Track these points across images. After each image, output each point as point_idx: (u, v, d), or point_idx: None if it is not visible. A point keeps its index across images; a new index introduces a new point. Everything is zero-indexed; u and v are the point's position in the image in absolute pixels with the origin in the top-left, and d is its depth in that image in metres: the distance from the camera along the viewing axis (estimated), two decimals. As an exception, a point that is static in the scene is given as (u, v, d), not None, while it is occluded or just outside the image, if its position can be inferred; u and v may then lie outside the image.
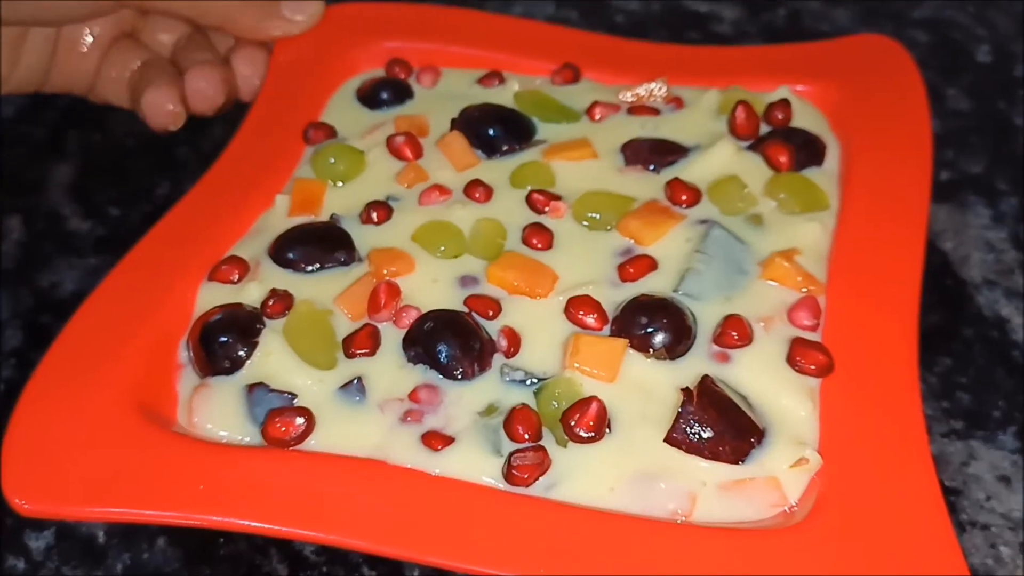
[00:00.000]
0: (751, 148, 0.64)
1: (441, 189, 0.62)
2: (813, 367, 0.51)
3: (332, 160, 0.65)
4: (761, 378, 0.51)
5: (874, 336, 0.53)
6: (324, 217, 0.62)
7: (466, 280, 0.57)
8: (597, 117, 0.67)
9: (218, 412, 0.52)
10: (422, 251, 0.59)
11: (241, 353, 0.54)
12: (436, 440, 0.50)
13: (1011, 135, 0.76)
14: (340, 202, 0.63)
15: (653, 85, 0.69)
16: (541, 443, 0.49)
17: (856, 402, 0.50)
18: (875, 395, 0.50)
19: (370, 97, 0.71)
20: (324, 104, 0.71)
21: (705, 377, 0.51)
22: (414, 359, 0.53)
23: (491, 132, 0.66)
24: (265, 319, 0.55)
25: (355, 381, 0.52)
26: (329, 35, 0.73)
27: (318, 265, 0.58)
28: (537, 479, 0.48)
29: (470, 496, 0.47)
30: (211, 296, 0.57)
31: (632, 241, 0.59)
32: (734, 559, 0.44)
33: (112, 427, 0.50)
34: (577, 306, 0.55)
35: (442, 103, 0.70)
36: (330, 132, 0.67)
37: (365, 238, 0.60)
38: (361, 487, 0.47)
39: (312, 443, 0.51)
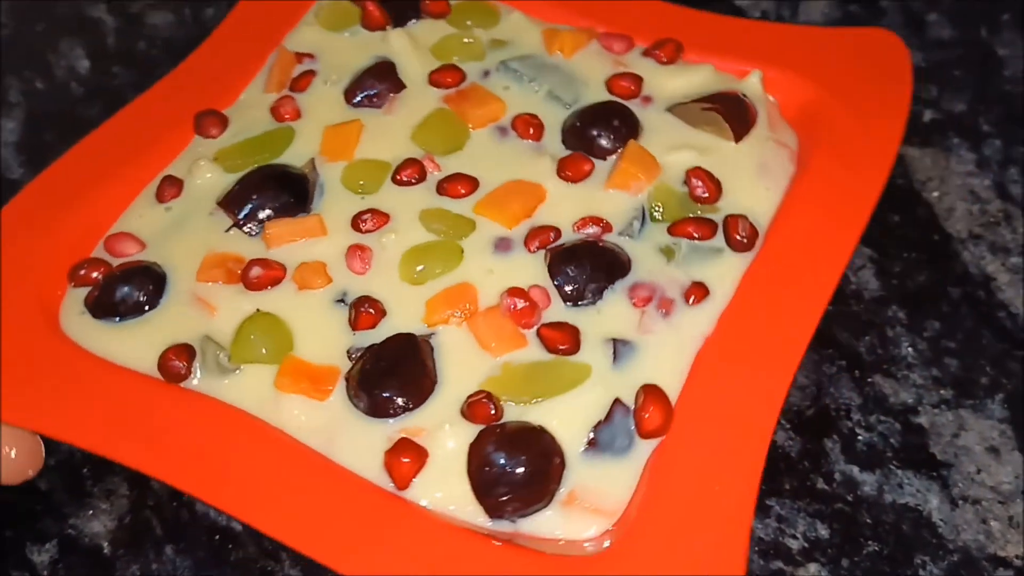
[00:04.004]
0: (398, 26, 0.68)
1: (359, 249, 0.56)
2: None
3: (254, 337, 0.53)
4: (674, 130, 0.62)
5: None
6: (340, 359, 0.52)
7: (500, 243, 0.56)
8: (288, 117, 0.64)
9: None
10: (439, 280, 0.55)
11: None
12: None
13: (995, 67, 0.73)
14: (317, 343, 0.53)
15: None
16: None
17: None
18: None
19: (120, 307, 0.55)
20: (100, 359, 0.54)
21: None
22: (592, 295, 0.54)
23: (285, 195, 0.59)
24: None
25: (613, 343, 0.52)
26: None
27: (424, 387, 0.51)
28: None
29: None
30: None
31: (492, 123, 0.62)
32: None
33: None
34: (564, 166, 0.59)
35: (184, 238, 0.58)
36: (184, 353, 0.53)
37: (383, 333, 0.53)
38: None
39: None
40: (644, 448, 0.49)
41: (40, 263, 0.56)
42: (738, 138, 0.60)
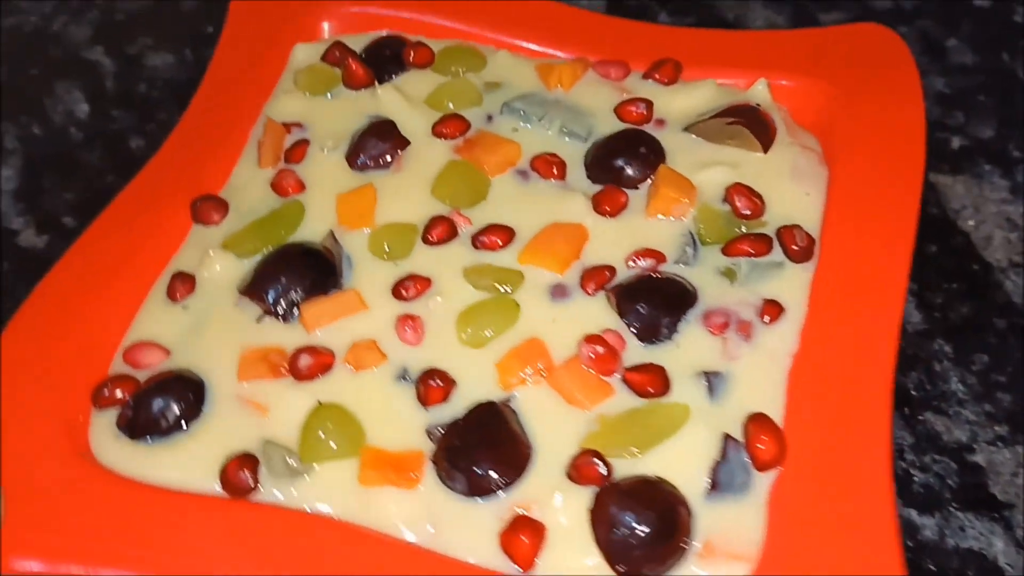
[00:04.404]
0: (382, 81, 0.65)
1: (408, 319, 0.53)
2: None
3: (322, 433, 0.48)
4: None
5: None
6: (420, 441, 0.48)
7: (556, 291, 0.53)
8: (292, 191, 0.60)
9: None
10: (501, 338, 0.52)
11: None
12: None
13: (1019, 92, 0.71)
14: (391, 428, 0.49)
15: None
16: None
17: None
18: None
19: (160, 423, 0.50)
20: (148, 485, 0.48)
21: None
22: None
23: (312, 272, 0.55)
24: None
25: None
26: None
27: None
28: None
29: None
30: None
31: (510, 167, 0.59)
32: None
33: None
34: (600, 201, 0.57)
35: (212, 336, 0.54)
36: (247, 463, 0.48)
37: (458, 404, 0.50)
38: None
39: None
40: (763, 481, 0.47)
41: (56, 388, 0.51)
42: (766, 148, 0.59)
